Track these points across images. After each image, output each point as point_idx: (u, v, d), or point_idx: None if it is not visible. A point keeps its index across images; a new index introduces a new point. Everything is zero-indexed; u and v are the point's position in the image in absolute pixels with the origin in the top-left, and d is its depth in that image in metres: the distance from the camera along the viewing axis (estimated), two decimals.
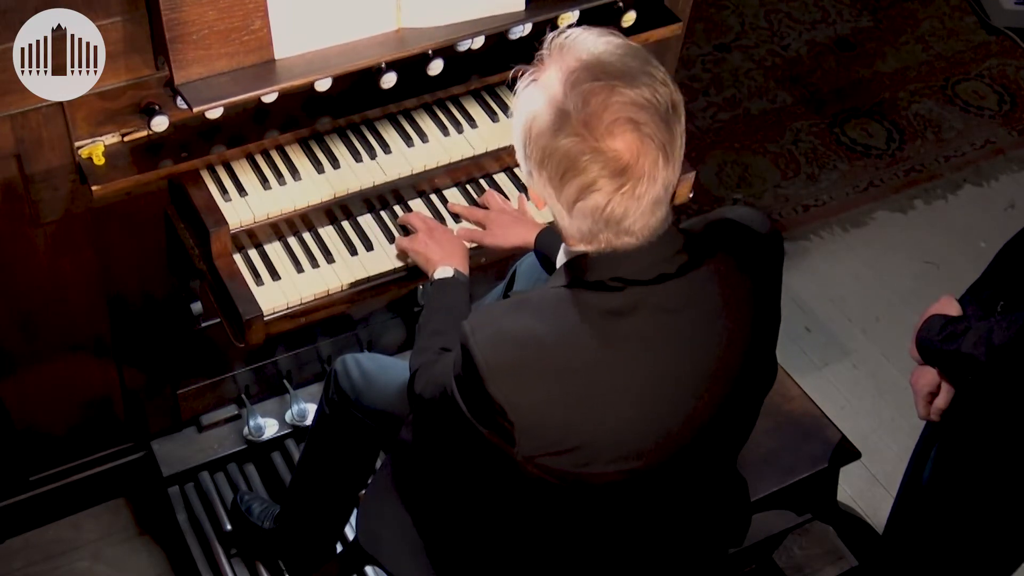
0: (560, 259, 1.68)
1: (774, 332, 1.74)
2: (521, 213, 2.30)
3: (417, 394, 1.87)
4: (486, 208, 2.31)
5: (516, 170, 2.43)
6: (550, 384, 1.57)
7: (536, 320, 1.59)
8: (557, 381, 1.57)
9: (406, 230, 2.28)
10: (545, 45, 1.57)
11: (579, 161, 1.50)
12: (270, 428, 2.80)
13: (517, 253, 2.25)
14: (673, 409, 1.63)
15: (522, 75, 1.59)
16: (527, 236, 2.19)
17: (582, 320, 1.58)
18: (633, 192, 1.50)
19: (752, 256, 1.67)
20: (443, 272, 2.08)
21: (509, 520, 1.81)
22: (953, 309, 2.11)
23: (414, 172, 2.32)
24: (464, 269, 2.11)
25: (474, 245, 2.25)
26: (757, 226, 1.70)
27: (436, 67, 2.31)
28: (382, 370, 2.28)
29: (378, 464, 2.43)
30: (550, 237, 2.13)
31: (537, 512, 1.74)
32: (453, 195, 2.38)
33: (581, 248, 1.60)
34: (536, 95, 1.55)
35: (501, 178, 2.41)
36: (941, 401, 2.09)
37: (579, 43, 1.55)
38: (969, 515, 2.19)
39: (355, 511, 2.45)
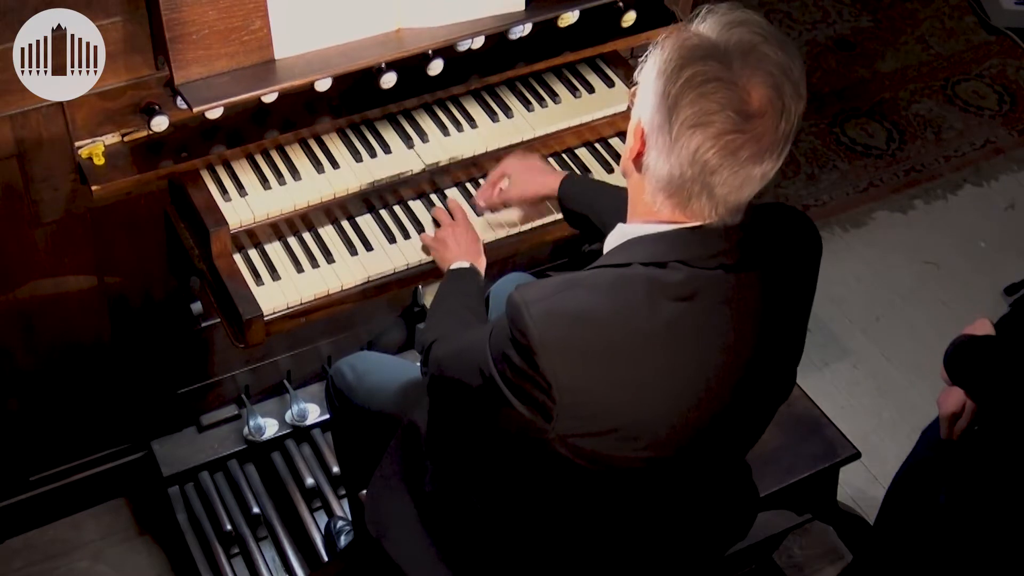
0: (613, 240, 1.67)
1: (802, 335, 1.74)
2: (536, 163, 2.28)
3: (434, 364, 1.86)
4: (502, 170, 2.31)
5: None
6: (600, 363, 1.56)
7: (593, 297, 1.57)
8: (607, 361, 1.56)
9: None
10: (692, 16, 1.56)
11: (709, 85, 1.48)
12: (270, 428, 2.80)
13: (544, 200, 2.24)
14: (699, 399, 1.63)
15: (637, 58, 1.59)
16: (551, 183, 2.18)
17: (640, 299, 1.56)
18: (739, 148, 1.49)
19: (795, 260, 1.68)
20: (460, 264, 2.09)
21: (518, 508, 1.82)
22: (987, 331, 2.10)
23: (414, 172, 2.32)
24: (481, 267, 2.12)
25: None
26: (804, 229, 1.70)
27: (436, 67, 2.31)
28: (375, 370, 2.29)
29: None
30: (574, 187, 2.13)
31: (549, 497, 1.74)
32: (453, 195, 2.38)
33: (649, 221, 1.59)
34: (686, 34, 1.52)
35: None
36: (963, 422, 2.10)
37: (728, 11, 1.54)
38: (988, 533, 2.18)
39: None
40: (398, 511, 2.04)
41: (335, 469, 2.77)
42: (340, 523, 2.68)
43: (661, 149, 1.54)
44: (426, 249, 2.25)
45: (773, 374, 1.71)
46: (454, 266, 2.10)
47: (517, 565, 1.89)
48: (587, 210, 2.10)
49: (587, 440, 1.60)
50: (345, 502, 2.75)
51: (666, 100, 1.51)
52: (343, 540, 2.64)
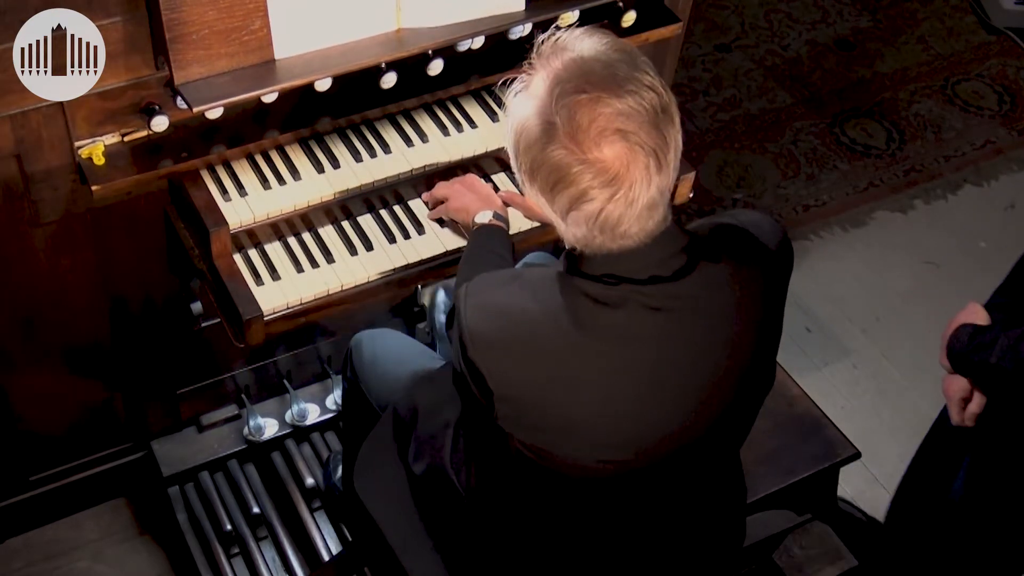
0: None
1: (774, 340, 1.73)
2: None
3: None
4: None
5: None
6: (528, 361, 1.59)
7: (526, 296, 1.61)
8: (534, 359, 1.59)
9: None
10: (534, 50, 1.57)
11: (569, 173, 1.50)
12: (270, 428, 2.80)
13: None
14: (661, 409, 1.63)
15: (513, 82, 1.58)
16: None
17: (569, 303, 1.59)
18: (626, 198, 1.50)
19: (758, 264, 1.66)
20: (482, 217, 2.12)
21: (499, 490, 1.82)
22: (980, 317, 2.10)
23: (414, 172, 2.32)
24: (503, 211, 2.15)
25: None
26: (767, 234, 1.69)
27: (436, 67, 2.31)
28: (390, 355, 2.30)
29: None
30: None
31: (525, 487, 1.75)
32: None
33: (577, 247, 1.60)
34: (525, 105, 1.54)
35: (501, 178, 2.41)
36: (975, 406, 2.08)
37: (566, 48, 1.54)
38: (1004, 527, 2.17)
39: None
40: (385, 477, 2.07)
41: (338, 447, 2.78)
42: (338, 456, 2.72)
43: (558, 222, 1.58)
44: (441, 222, 2.28)
45: (744, 373, 1.68)
46: (478, 218, 2.12)
47: (495, 550, 1.90)
48: None
49: (528, 434, 1.64)
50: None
51: (538, 195, 1.56)
52: (339, 472, 2.67)
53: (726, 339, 1.63)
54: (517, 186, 2.40)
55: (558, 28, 1.60)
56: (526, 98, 1.55)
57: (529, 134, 1.53)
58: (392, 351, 2.33)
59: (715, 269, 1.61)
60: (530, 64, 1.57)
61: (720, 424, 1.70)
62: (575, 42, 1.55)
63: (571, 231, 1.57)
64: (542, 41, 1.57)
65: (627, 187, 1.49)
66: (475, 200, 2.18)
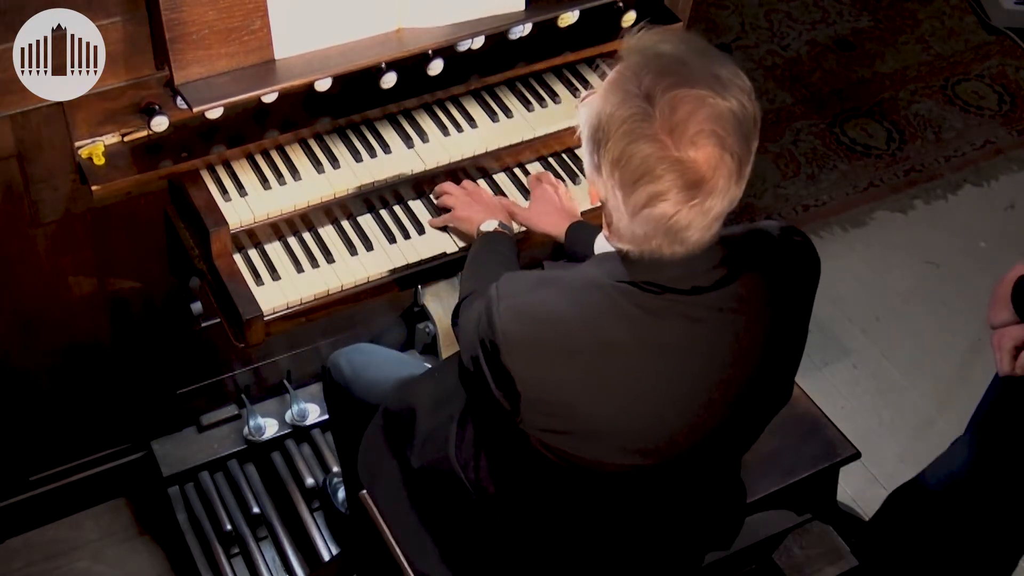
0: (599, 246, 1.68)
1: (796, 354, 1.73)
2: (564, 202, 2.27)
3: (455, 326, 1.91)
4: (539, 182, 2.31)
5: (516, 170, 2.43)
6: (561, 365, 1.58)
7: (562, 300, 1.59)
8: (569, 364, 1.58)
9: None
10: (626, 43, 1.53)
11: (656, 169, 1.46)
12: (270, 428, 2.81)
13: (546, 239, 2.23)
14: (681, 414, 1.63)
15: (601, 69, 1.56)
16: (559, 228, 2.17)
17: (607, 310, 1.57)
18: (702, 206, 1.48)
19: (786, 278, 1.66)
20: (487, 226, 2.12)
21: (505, 491, 1.83)
22: None
23: (414, 172, 2.32)
24: (508, 221, 2.15)
25: None
26: (796, 248, 1.69)
27: (436, 67, 2.31)
28: (372, 363, 2.31)
29: None
30: (580, 233, 2.12)
31: (539, 483, 1.75)
32: None
33: (624, 247, 1.58)
34: (616, 96, 1.50)
35: (501, 178, 2.41)
36: None
37: (665, 42, 1.51)
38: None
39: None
40: (387, 468, 2.07)
41: (335, 468, 2.77)
42: (336, 480, 2.71)
43: (622, 216, 1.54)
44: (445, 229, 2.28)
45: (764, 384, 1.69)
46: (484, 227, 2.12)
47: (501, 544, 1.90)
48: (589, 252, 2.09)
49: (551, 436, 1.63)
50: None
51: (614, 186, 1.51)
52: (340, 495, 2.67)
53: (746, 348, 1.63)
54: (524, 187, 2.40)
55: (646, 23, 1.57)
56: (617, 89, 1.50)
57: (621, 123, 1.48)
58: (373, 360, 2.33)
59: (747, 282, 1.61)
60: (620, 57, 1.53)
61: (729, 429, 1.70)
62: (670, 37, 1.52)
63: (631, 228, 1.53)
64: (635, 33, 1.53)
65: (706, 194, 1.47)
66: (480, 210, 2.19)
